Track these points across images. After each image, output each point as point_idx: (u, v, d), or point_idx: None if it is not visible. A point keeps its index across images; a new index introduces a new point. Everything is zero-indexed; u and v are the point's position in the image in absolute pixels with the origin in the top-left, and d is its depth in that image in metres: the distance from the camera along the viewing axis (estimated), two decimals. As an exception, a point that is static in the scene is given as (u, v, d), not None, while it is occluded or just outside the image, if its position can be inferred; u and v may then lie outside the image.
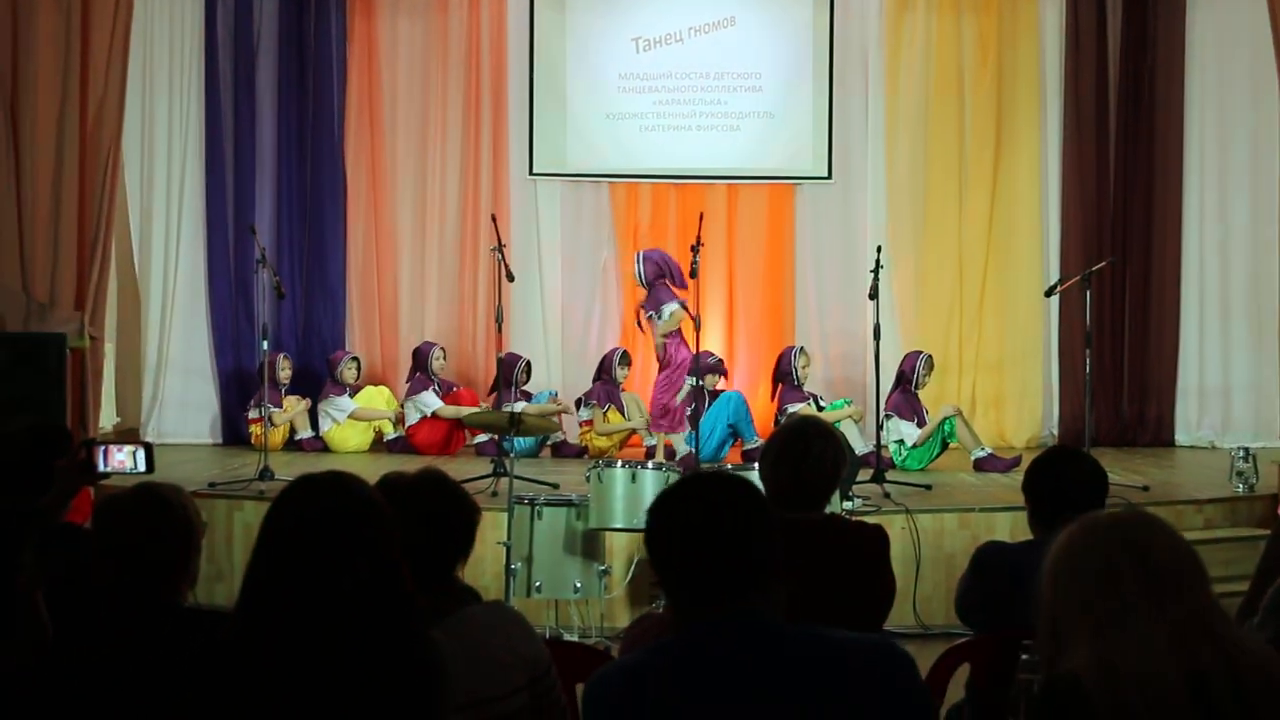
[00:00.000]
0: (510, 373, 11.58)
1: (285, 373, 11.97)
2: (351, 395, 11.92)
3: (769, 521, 2.68)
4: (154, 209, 12.52)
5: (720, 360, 11.72)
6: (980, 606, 4.32)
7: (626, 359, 11.73)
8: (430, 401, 11.67)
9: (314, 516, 2.77)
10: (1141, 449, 12.28)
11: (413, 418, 11.72)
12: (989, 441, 11.47)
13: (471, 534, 3.42)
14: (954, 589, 4.66)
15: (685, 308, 10.80)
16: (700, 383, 10.67)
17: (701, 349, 10.30)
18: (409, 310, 12.86)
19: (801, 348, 11.46)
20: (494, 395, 11.21)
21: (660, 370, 11.17)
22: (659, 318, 10.96)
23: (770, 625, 2.62)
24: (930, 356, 11.22)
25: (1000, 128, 12.68)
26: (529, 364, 12.03)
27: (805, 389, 11.31)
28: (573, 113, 12.85)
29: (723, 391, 11.42)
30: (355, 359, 12.15)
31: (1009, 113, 12.67)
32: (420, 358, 11.91)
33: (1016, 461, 10.69)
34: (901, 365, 11.13)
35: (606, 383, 11.56)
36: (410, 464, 9.77)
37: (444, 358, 11.95)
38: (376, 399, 12.09)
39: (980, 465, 10.74)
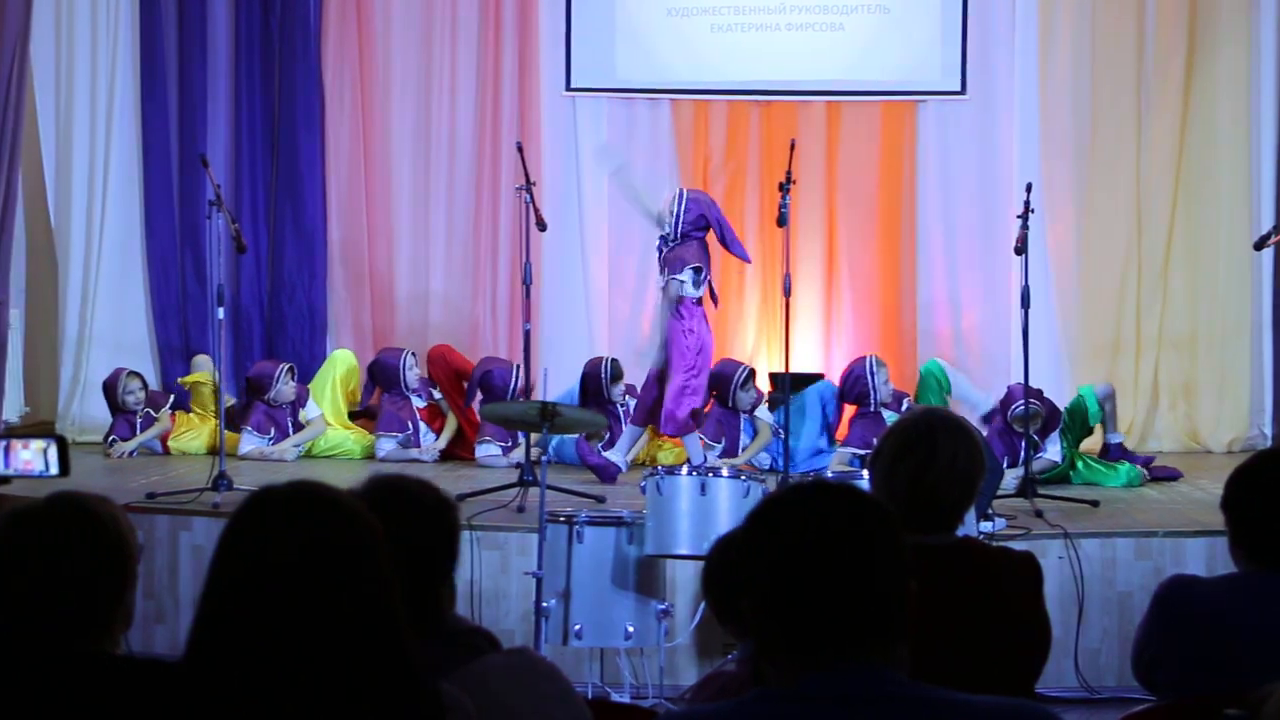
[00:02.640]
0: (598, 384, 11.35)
1: (133, 395, 11.66)
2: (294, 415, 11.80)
3: (901, 552, 2.70)
4: (74, 134, 12.63)
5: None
6: (1166, 662, 4.29)
7: (753, 376, 11.45)
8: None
9: (282, 542, 2.78)
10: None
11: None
12: (1177, 443, 11.41)
13: (451, 542, 3.41)
14: (1130, 639, 4.63)
15: (711, 286, 10.63)
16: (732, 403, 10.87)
17: (793, 325, 10.21)
18: (409, 268, 12.92)
19: (876, 357, 11.28)
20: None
21: (670, 366, 10.54)
22: (678, 282, 10.59)
23: (892, 685, 2.64)
24: (1036, 413, 10.46)
25: (1194, 27, 12.56)
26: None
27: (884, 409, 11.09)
28: (623, 7, 12.85)
29: (815, 381, 11.41)
30: (292, 368, 11.84)
31: (1207, 8, 12.55)
32: (387, 373, 11.70)
33: (1175, 475, 10.68)
34: (1000, 401, 10.92)
35: (725, 413, 11.29)
36: (414, 472, 9.80)
37: (417, 364, 11.79)
38: (337, 367, 12.13)
39: (1110, 452, 10.77)
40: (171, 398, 11.97)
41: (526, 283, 10.09)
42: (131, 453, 11.51)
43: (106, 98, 12.61)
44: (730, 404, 11.19)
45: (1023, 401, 9.98)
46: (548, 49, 12.89)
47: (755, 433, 11.23)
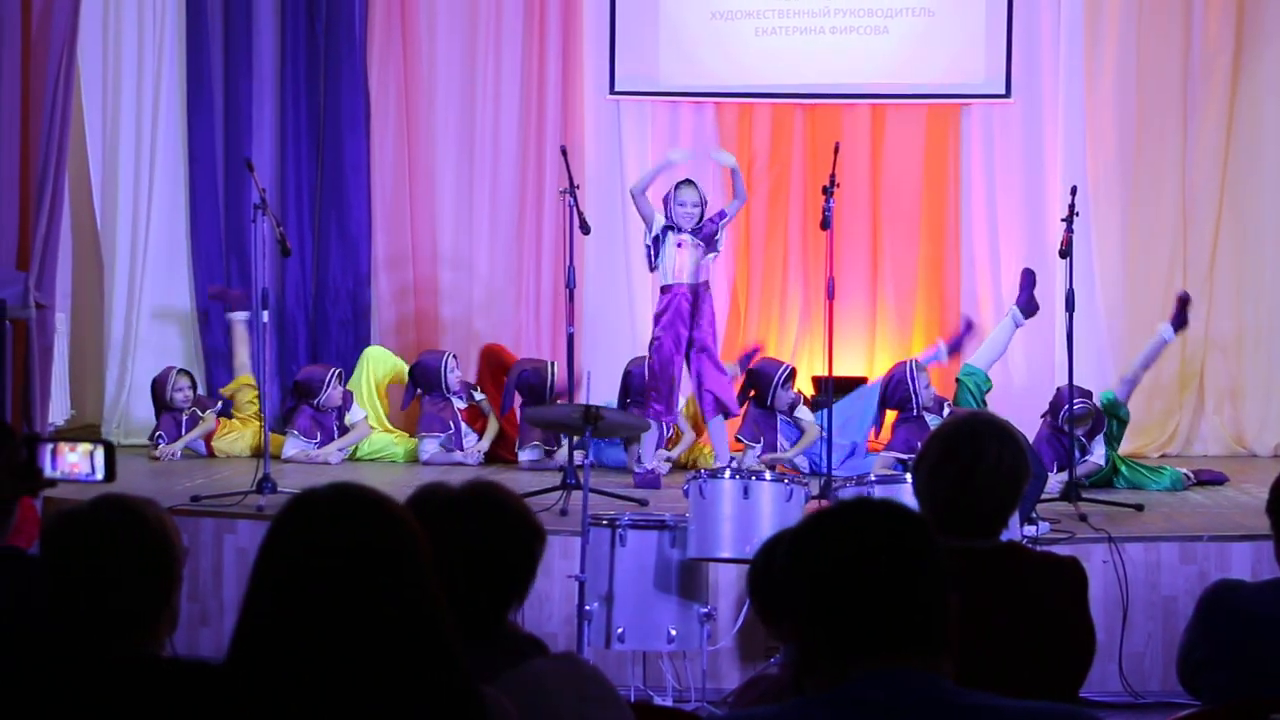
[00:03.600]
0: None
1: (182, 393, 11.71)
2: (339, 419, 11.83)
3: (941, 566, 2.76)
4: (120, 139, 12.70)
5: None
6: (1211, 667, 4.28)
7: (792, 377, 11.37)
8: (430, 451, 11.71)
9: (325, 545, 2.79)
10: None
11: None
12: (1222, 446, 11.36)
13: (532, 566, 3.44)
14: (1174, 644, 4.62)
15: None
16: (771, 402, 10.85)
17: (835, 329, 10.21)
18: (451, 271, 12.94)
19: (916, 361, 11.17)
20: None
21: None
22: (709, 250, 10.65)
23: (935, 690, 2.66)
24: (1090, 412, 10.58)
25: (1241, 27, 12.51)
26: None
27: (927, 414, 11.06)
28: (667, 10, 12.86)
29: (858, 385, 11.41)
30: (340, 373, 11.88)
31: (1254, 5, 12.50)
32: (428, 375, 11.72)
33: (1220, 479, 10.62)
34: (1052, 403, 10.87)
35: (760, 414, 11.29)
36: (458, 476, 9.84)
37: (457, 366, 11.86)
38: (378, 368, 12.19)
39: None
40: (220, 403, 12.00)
41: (570, 286, 10.09)
42: (175, 454, 11.54)
43: (152, 103, 12.67)
44: (769, 403, 11.16)
45: (1069, 404, 9.94)
46: (592, 53, 12.91)
47: (800, 433, 11.19)
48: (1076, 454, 10.10)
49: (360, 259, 12.82)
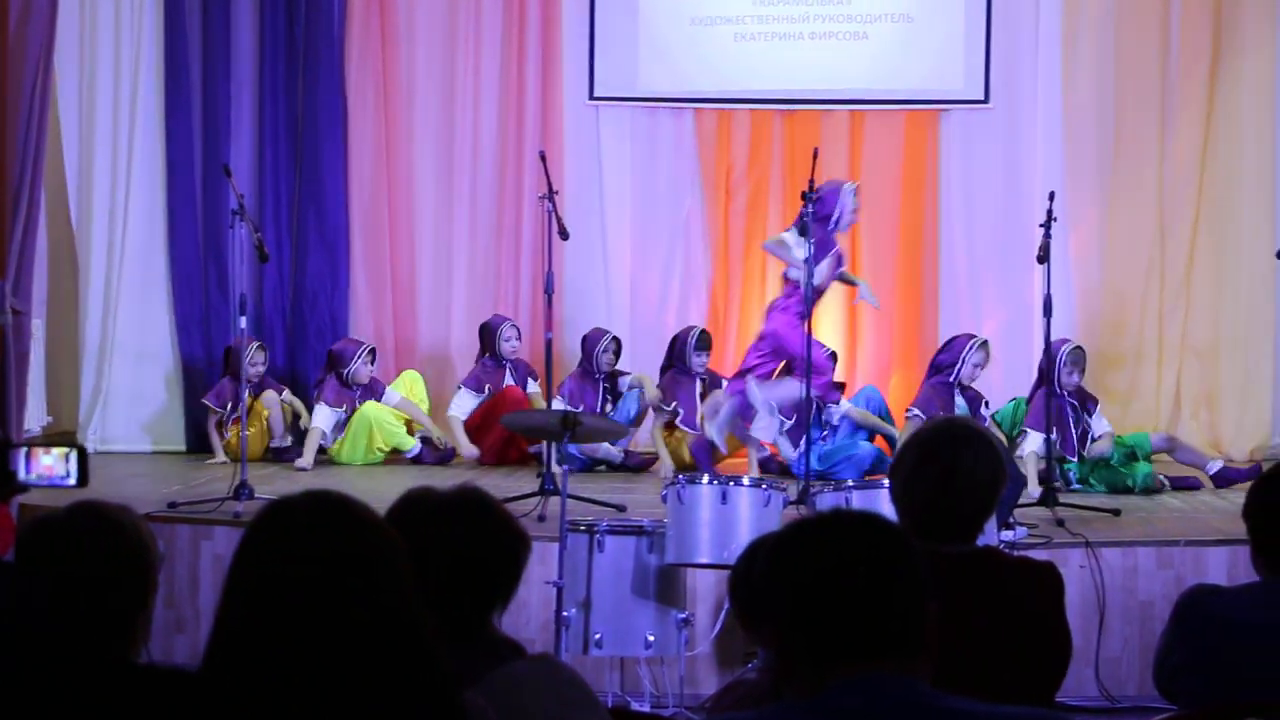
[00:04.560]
0: (593, 353, 11.69)
1: (256, 367, 11.87)
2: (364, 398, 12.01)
3: (919, 575, 2.79)
4: (97, 143, 12.66)
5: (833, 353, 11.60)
6: (1187, 672, 4.29)
7: (706, 340, 11.72)
8: (462, 404, 11.90)
9: (300, 552, 2.78)
10: None
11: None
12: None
13: (516, 571, 3.45)
14: (1151, 648, 4.62)
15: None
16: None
17: (815, 334, 10.28)
18: (431, 277, 12.95)
19: (982, 340, 11.22)
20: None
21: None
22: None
23: (914, 695, 2.69)
24: (1079, 348, 10.97)
25: (1219, 34, 12.54)
26: (617, 342, 11.96)
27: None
28: (646, 17, 12.87)
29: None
30: (372, 350, 12.13)
31: (1231, 13, 12.53)
32: (487, 335, 12.02)
33: (1258, 469, 10.59)
34: (1042, 358, 10.95)
35: (678, 370, 11.62)
36: (440, 478, 9.82)
37: (518, 336, 12.03)
38: (412, 390, 12.22)
39: (1220, 480, 10.71)
40: (284, 390, 12.19)
41: (548, 292, 10.08)
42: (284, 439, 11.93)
43: (129, 108, 12.63)
44: (684, 363, 11.57)
45: (1059, 364, 10.32)
46: (571, 58, 12.91)
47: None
48: (1089, 426, 10.54)
49: (338, 265, 12.79)
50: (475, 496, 3.54)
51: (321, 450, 11.85)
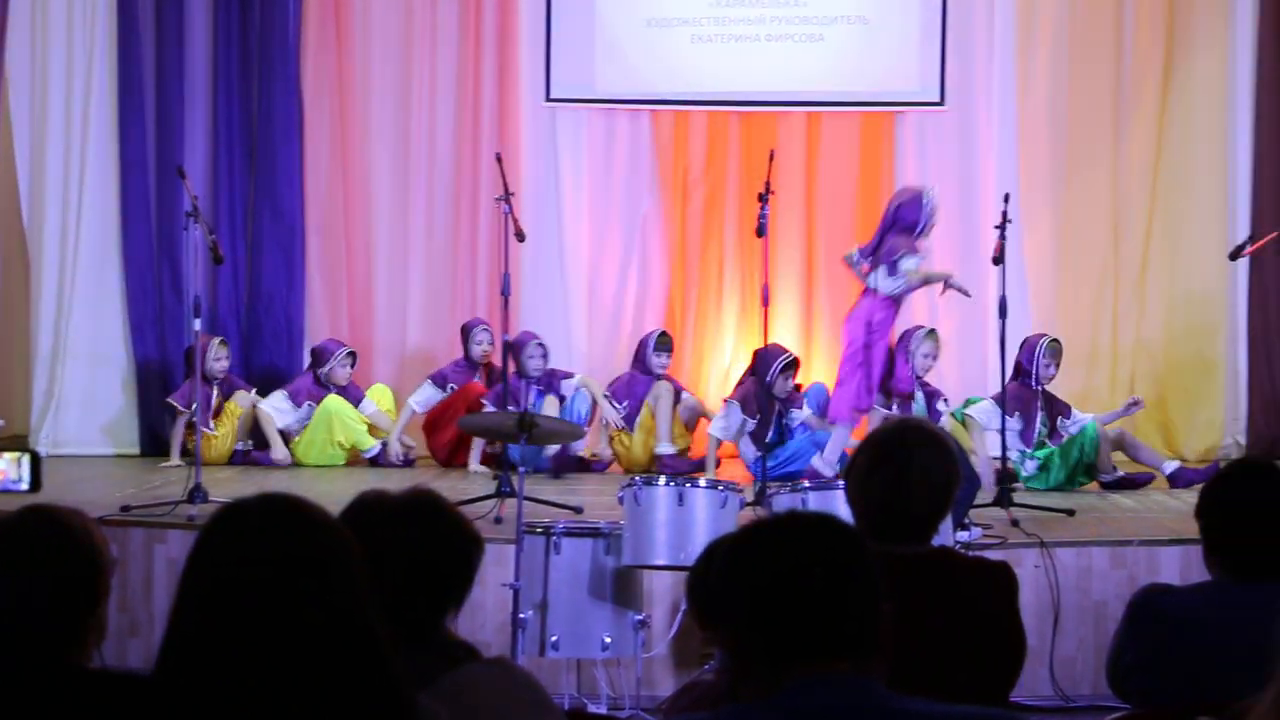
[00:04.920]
0: (519, 358, 11.65)
1: (220, 363, 11.95)
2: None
3: (874, 576, 2.82)
4: (49, 145, 12.59)
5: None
6: (1141, 671, 4.31)
7: (666, 342, 11.77)
8: (421, 396, 11.94)
9: (253, 555, 2.77)
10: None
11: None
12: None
13: (469, 574, 3.45)
14: (1105, 648, 4.64)
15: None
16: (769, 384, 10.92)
17: (771, 335, 10.31)
18: (387, 279, 12.93)
19: (1053, 339, 11.24)
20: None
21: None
22: (892, 272, 10.76)
23: (869, 697, 2.71)
24: (1056, 340, 11.12)
25: (1172, 37, 12.61)
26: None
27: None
28: (603, 18, 12.87)
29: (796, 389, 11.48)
30: (352, 354, 12.17)
31: (1183, 16, 12.60)
32: (464, 336, 12.08)
33: (1215, 470, 10.65)
34: (1019, 354, 11.05)
35: (639, 371, 11.68)
36: (398, 481, 9.81)
37: (490, 341, 11.95)
38: (381, 402, 12.22)
39: (1177, 481, 10.77)
40: (254, 390, 12.16)
41: (505, 293, 10.08)
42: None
43: (82, 108, 12.56)
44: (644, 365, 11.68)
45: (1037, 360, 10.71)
46: (528, 59, 12.90)
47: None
48: (1060, 427, 10.82)
49: (294, 267, 12.74)
50: (427, 499, 3.54)
51: (285, 441, 11.93)
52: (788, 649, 2.73)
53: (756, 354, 11.21)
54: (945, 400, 11.33)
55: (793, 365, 11.37)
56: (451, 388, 11.88)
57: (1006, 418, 10.28)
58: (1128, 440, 11.06)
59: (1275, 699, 2.68)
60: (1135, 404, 11.19)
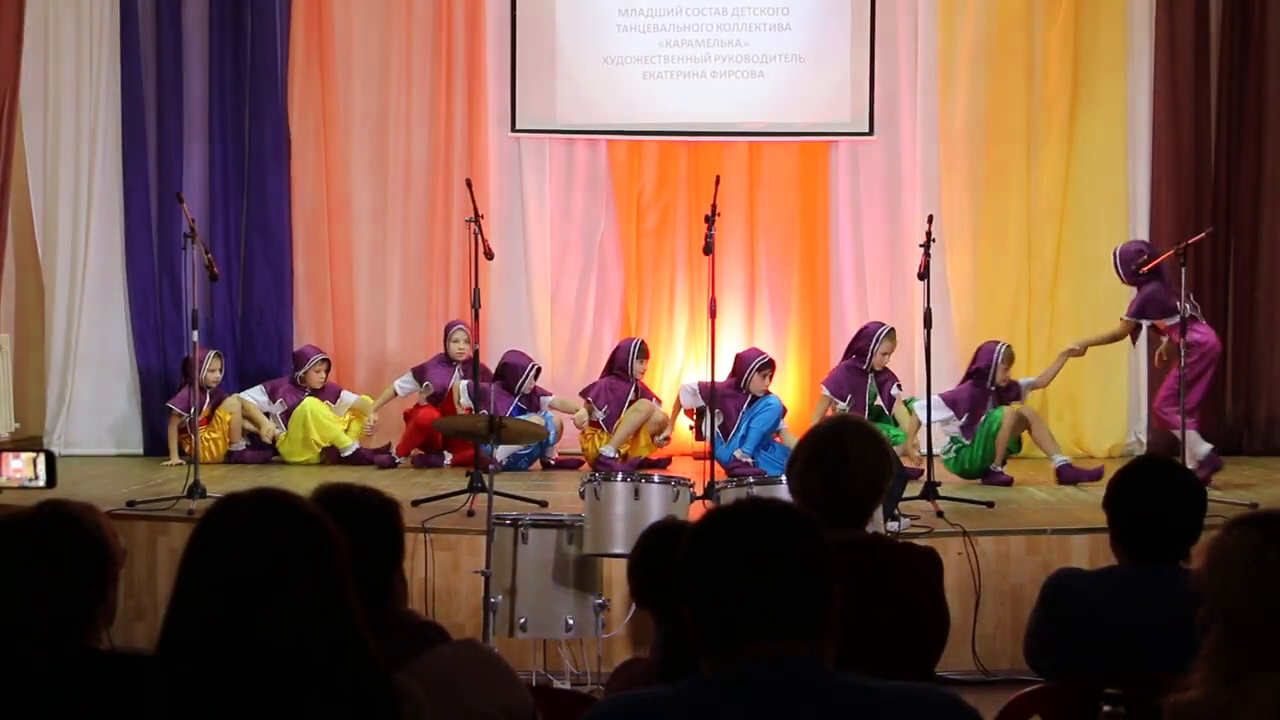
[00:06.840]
0: (516, 379, 11.70)
1: (214, 374, 11.91)
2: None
3: (826, 559, 2.77)
4: (60, 173, 12.55)
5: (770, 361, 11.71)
6: (1053, 647, 4.33)
7: (645, 351, 11.95)
8: (404, 384, 12.02)
9: (246, 547, 2.78)
10: (1249, 458, 12.27)
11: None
12: (1064, 449, 11.46)
13: (398, 533, 3.44)
14: (1021, 627, 4.66)
15: None
16: (745, 385, 11.17)
17: (717, 345, 10.35)
18: (367, 294, 12.91)
19: (1008, 346, 11.34)
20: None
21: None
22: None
23: (818, 675, 2.69)
24: (1009, 346, 11.25)
25: (1077, 72, 12.67)
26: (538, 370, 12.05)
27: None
28: (563, 56, 12.87)
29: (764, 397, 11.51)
30: (326, 360, 12.22)
31: (1088, 53, 12.66)
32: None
33: (1100, 474, 10.71)
34: (977, 359, 11.16)
35: (616, 378, 11.69)
36: (376, 479, 9.77)
37: (465, 340, 11.86)
38: (362, 408, 12.21)
39: (1063, 475, 10.79)
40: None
41: (475, 306, 10.07)
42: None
43: (89, 140, 12.51)
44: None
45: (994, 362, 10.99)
46: (494, 93, 12.91)
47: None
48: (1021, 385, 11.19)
49: (283, 283, 12.74)
50: (333, 490, 3.50)
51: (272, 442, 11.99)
52: (744, 629, 2.69)
53: (737, 357, 11.56)
54: (899, 385, 11.46)
55: (768, 365, 11.52)
56: (427, 385, 11.84)
57: (955, 418, 10.61)
58: (1033, 418, 11.07)
59: (1209, 654, 2.70)
60: (1072, 352, 11.30)
